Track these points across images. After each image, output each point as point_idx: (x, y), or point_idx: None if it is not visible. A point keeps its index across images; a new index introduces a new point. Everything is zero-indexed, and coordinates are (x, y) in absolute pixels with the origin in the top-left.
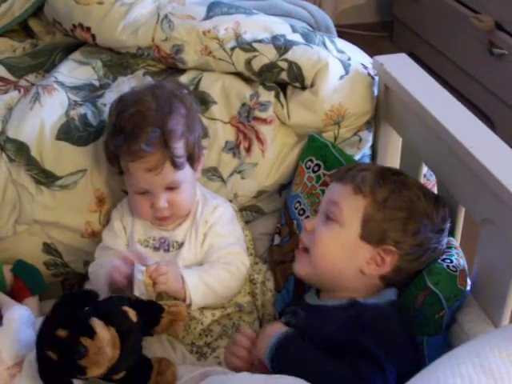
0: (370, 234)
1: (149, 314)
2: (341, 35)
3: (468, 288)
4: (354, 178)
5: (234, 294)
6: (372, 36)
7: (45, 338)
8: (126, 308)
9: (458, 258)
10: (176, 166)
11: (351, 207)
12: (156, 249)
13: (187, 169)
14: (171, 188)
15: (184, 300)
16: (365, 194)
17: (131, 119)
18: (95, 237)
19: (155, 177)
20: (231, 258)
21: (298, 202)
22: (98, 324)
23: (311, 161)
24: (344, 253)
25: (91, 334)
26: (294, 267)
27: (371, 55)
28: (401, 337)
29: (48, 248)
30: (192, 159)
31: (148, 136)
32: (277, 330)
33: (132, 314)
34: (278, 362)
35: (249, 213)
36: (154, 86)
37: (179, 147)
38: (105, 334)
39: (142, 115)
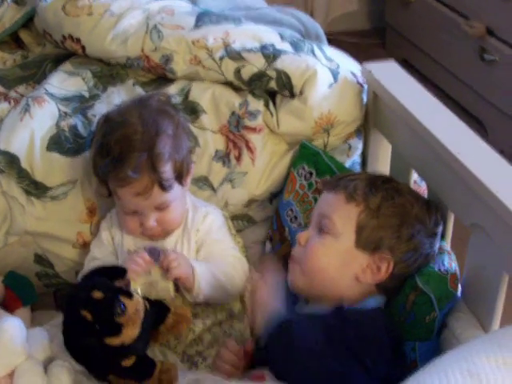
0: (364, 241)
1: (157, 311)
2: (333, 42)
3: (459, 292)
4: (346, 187)
5: (236, 292)
6: (364, 43)
7: (80, 299)
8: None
9: (450, 262)
10: (164, 188)
11: (344, 217)
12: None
13: (176, 187)
14: (161, 208)
15: (191, 288)
16: (358, 202)
17: (117, 144)
18: (86, 247)
19: (144, 200)
20: (233, 260)
21: (291, 209)
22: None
23: (303, 168)
24: (339, 263)
25: (130, 295)
26: (288, 279)
27: (364, 62)
28: (382, 341)
29: (39, 259)
30: (180, 177)
31: (135, 161)
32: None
33: (146, 303)
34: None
35: (240, 221)
36: (140, 105)
37: (167, 170)
38: (139, 298)
39: (128, 140)
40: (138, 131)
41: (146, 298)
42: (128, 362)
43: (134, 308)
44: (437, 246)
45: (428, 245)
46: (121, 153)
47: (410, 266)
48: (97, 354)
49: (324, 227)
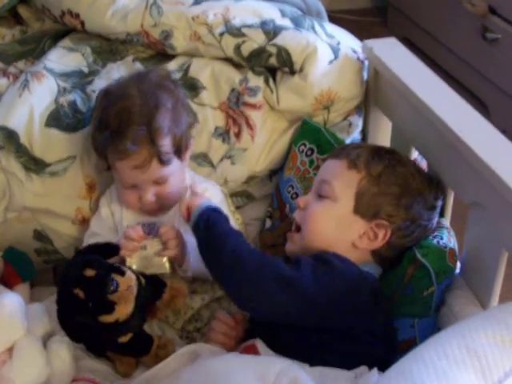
0: (363, 207)
1: (153, 287)
2: (334, 20)
3: (458, 269)
4: (348, 154)
5: None
6: (366, 21)
7: (72, 278)
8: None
9: (449, 237)
10: (163, 162)
11: (344, 182)
12: (146, 234)
13: (175, 162)
14: (159, 182)
15: (181, 265)
16: (359, 169)
17: (116, 116)
18: (86, 223)
19: (142, 173)
20: None
21: (291, 186)
22: (123, 267)
23: (304, 145)
24: (337, 227)
25: (122, 272)
26: (286, 247)
27: (365, 40)
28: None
29: (39, 235)
30: (179, 152)
31: (134, 134)
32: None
33: (141, 279)
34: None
35: (239, 198)
36: (139, 79)
37: (166, 144)
38: (132, 275)
39: (127, 112)
40: (136, 104)
41: (141, 274)
42: (124, 339)
43: (127, 285)
44: (435, 219)
45: (426, 217)
46: (120, 125)
47: (407, 237)
48: (91, 332)
49: (323, 192)
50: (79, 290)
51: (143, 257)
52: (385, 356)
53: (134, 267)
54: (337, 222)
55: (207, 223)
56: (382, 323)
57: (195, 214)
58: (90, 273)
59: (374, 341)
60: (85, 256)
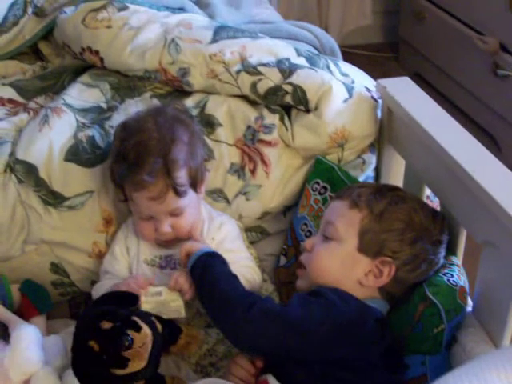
0: (367, 245)
1: (169, 332)
2: (347, 56)
3: (468, 305)
4: (350, 194)
5: None
6: (378, 57)
7: (88, 329)
8: (153, 318)
9: (459, 275)
10: (179, 194)
11: (347, 222)
12: (163, 267)
13: (190, 194)
14: (175, 214)
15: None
16: (360, 208)
17: (134, 149)
18: (102, 257)
19: (158, 205)
20: (246, 271)
21: (305, 223)
22: (139, 320)
23: (318, 183)
24: (342, 267)
25: (137, 327)
26: (297, 284)
27: (377, 76)
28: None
29: (55, 268)
30: (195, 184)
31: (150, 166)
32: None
33: (158, 325)
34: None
35: (253, 233)
36: (156, 113)
37: (182, 176)
38: (148, 331)
39: (144, 145)
40: (153, 137)
41: (158, 318)
42: None
43: (142, 342)
44: (442, 254)
45: (431, 251)
46: (137, 157)
47: (414, 272)
48: (104, 382)
49: (328, 233)
50: (94, 342)
51: (159, 303)
52: None
53: (149, 311)
54: (341, 262)
55: (203, 268)
56: (386, 356)
57: (192, 259)
58: (106, 325)
59: (378, 373)
60: (103, 305)
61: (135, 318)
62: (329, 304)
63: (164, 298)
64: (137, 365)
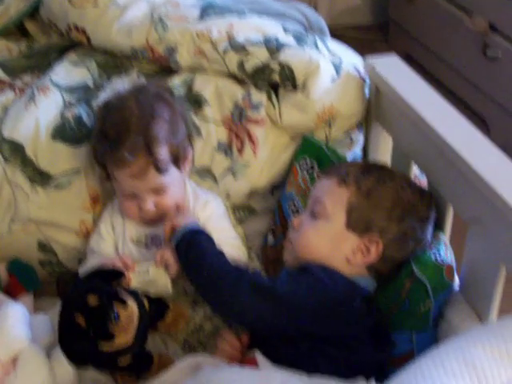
0: (354, 222)
1: (156, 309)
2: (336, 36)
3: (456, 283)
4: (338, 172)
5: None
6: (367, 38)
7: (75, 304)
8: (140, 296)
9: (446, 253)
10: (160, 170)
11: (335, 200)
12: (148, 246)
13: (173, 171)
14: (158, 191)
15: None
16: (348, 186)
17: (114, 127)
18: (89, 236)
19: (140, 182)
20: (231, 250)
21: (293, 201)
22: (126, 295)
23: (305, 161)
24: (329, 244)
25: (124, 303)
26: (283, 256)
27: (366, 57)
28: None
29: (43, 247)
30: (177, 161)
31: (131, 143)
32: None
33: (145, 302)
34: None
35: (241, 212)
36: (137, 91)
37: (163, 153)
38: (134, 307)
39: (124, 122)
40: (134, 115)
41: (145, 296)
42: (124, 361)
43: (128, 317)
44: (429, 231)
45: (419, 229)
46: (117, 135)
47: (401, 250)
48: (91, 356)
49: (315, 210)
50: (80, 317)
51: (146, 280)
52: (378, 366)
53: (137, 289)
54: (329, 240)
55: (188, 245)
56: (373, 334)
57: (177, 236)
58: (92, 300)
59: (365, 350)
60: (89, 281)
61: (122, 294)
62: (317, 281)
63: (151, 276)
64: (123, 339)
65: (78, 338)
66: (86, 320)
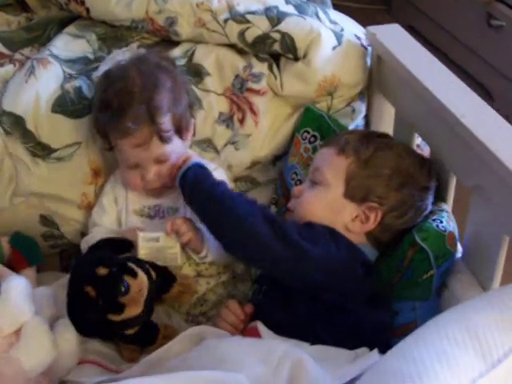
0: (353, 191)
1: (162, 280)
2: (338, 8)
3: (458, 251)
4: (338, 141)
5: None
6: (370, 9)
7: (84, 275)
8: (147, 266)
9: (449, 221)
10: (163, 140)
11: (334, 168)
12: (151, 217)
13: (176, 141)
14: (160, 161)
15: (200, 251)
16: (347, 155)
17: (117, 96)
18: (91, 208)
19: (143, 152)
20: None
21: (295, 172)
22: (135, 267)
23: (307, 132)
24: (329, 212)
25: (134, 273)
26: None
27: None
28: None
29: (45, 220)
30: (180, 131)
31: (134, 113)
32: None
33: (152, 272)
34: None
35: (243, 183)
36: (139, 61)
37: (166, 122)
38: (144, 277)
39: (127, 92)
40: (136, 84)
41: (152, 265)
42: (131, 331)
43: (138, 288)
44: (429, 200)
45: (418, 198)
46: (120, 105)
47: (400, 218)
48: (99, 327)
49: (315, 179)
50: (91, 288)
51: (155, 249)
52: (379, 334)
53: (145, 257)
54: (328, 207)
55: (194, 179)
56: (372, 299)
57: (181, 171)
58: (102, 271)
59: (363, 313)
60: (98, 252)
61: (131, 264)
62: (320, 234)
63: (161, 244)
64: (133, 311)
65: (88, 308)
66: (96, 291)
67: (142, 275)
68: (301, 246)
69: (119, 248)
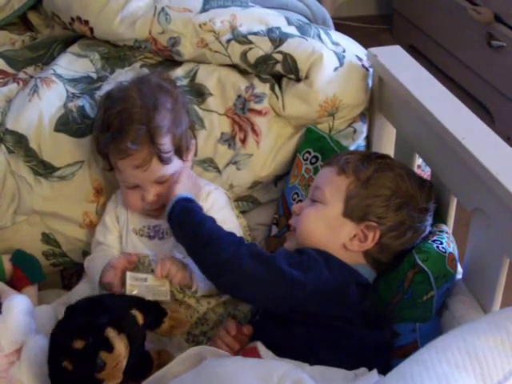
0: (352, 210)
1: (152, 316)
2: (340, 28)
3: (458, 272)
4: (338, 161)
5: None
6: (372, 29)
7: (60, 348)
8: (134, 312)
9: (449, 242)
10: (163, 161)
11: (334, 187)
12: (151, 237)
13: (176, 162)
14: (161, 182)
15: (190, 287)
16: (348, 175)
17: (117, 117)
18: (93, 227)
19: (143, 172)
20: None
21: (296, 193)
22: (113, 336)
23: (309, 153)
24: (327, 230)
25: (110, 348)
26: (285, 245)
27: (370, 48)
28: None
29: (47, 238)
30: (180, 152)
31: (134, 134)
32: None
33: (140, 318)
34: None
35: (244, 203)
36: (140, 81)
37: (166, 143)
38: (121, 348)
39: (127, 113)
40: (137, 105)
41: (142, 301)
42: None
43: (115, 362)
44: (428, 222)
45: (417, 219)
46: (120, 125)
47: (399, 239)
48: None
49: (315, 197)
50: (67, 362)
51: (144, 287)
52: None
53: (135, 293)
54: (327, 225)
55: (181, 213)
56: (369, 319)
57: (169, 205)
58: (78, 345)
59: (359, 334)
60: (77, 318)
61: (109, 333)
62: (311, 260)
63: (149, 283)
64: (112, 382)
65: (66, 381)
66: (72, 365)
67: (119, 347)
68: (291, 276)
69: (97, 306)
